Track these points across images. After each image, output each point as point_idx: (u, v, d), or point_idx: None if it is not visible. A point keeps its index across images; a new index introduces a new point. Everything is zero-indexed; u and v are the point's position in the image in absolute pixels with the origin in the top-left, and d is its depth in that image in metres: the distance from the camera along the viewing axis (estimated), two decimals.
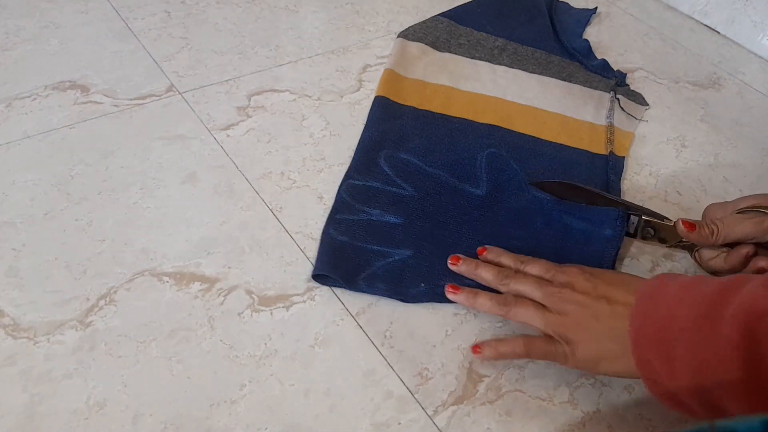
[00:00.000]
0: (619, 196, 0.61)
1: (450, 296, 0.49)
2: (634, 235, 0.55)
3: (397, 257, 0.52)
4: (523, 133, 0.66)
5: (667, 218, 0.54)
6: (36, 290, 0.48)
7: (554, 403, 0.45)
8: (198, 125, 0.64)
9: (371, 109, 0.66)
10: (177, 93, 0.67)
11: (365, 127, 0.64)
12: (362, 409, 0.43)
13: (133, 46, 0.73)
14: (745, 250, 0.50)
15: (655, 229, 0.54)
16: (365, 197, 0.56)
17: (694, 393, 0.37)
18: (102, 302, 0.48)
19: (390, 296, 0.50)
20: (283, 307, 0.49)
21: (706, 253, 0.53)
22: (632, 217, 0.55)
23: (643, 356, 0.39)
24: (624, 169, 0.64)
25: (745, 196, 0.52)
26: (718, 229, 0.50)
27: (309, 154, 0.62)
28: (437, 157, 0.61)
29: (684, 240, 0.52)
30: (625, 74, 0.78)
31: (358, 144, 0.62)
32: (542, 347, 0.44)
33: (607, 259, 0.53)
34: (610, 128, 0.69)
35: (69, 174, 0.57)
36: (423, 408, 0.44)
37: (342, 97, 0.69)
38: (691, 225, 0.50)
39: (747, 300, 0.35)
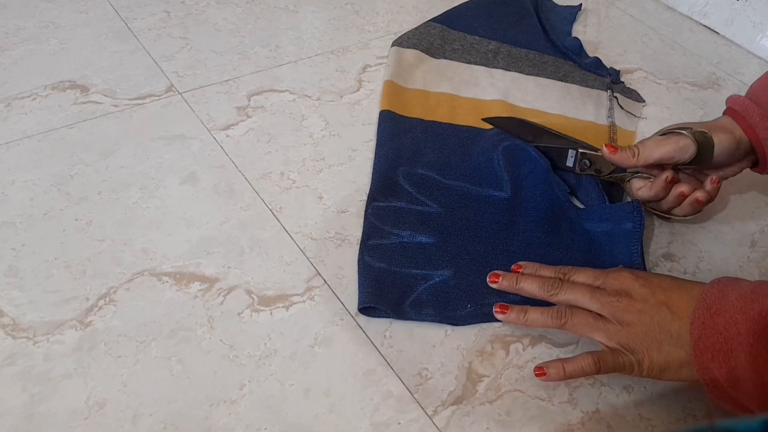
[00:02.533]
0: (623, 196, 0.61)
1: (499, 317, 0.48)
2: (573, 168, 0.59)
3: (438, 278, 0.51)
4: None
5: (599, 149, 0.57)
6: (35, 290, 0.48)
7: (553, 402, 0.45)
8: (198, 125, 0.64)
9: (379, 125, 0.65)
10: (177, 93, 0.67)
11: (377, 145, 0.63)
12: (362, 409, 0.43)
13: (132, 46, 0.73)
14: (665, 175, 0.53)
15: (591, 160, 0.57)
16: (393, 219, 0.55)
17: (757, 402, 0.37)
18: (102, 302, 0.48)
19: (439, 321, 0.49)
20: (282, 307, 0.49)
21: (636, 183, 0.56)
22: (570, 151, 0.58)
23: (704, 364, 0.39)
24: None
25: (669, 126, 0.56)
26: (638, 150, 0.53)
27: (309, 154, 0.62)
28: (454, 169, 0.60)
29: (616, 170, 0.56)
30: (618, 71, 0.78)
31: (374, 164, 0.61)
32: (611, 362, 0.42)
33: (634, 254, 0.52)
34: (613, 128, 0.69)
35: (69, 174, 0.57)
36: (422, 408, 0.44)
37: (342, 97, 0.70)
38: (613, 147, 0.54)
39: None
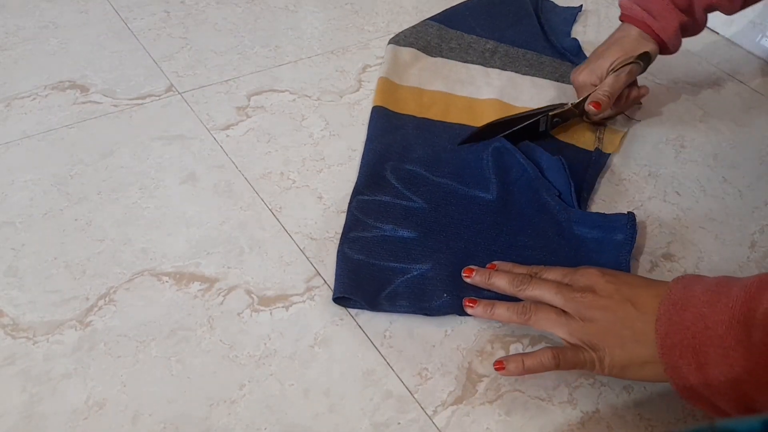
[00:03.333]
0: (592, 190, 0.61)
1: (468, 310, 0.48)
2: (546, 131, 0.65)
3: (416, 272, 0.51)
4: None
5: (564, 104, 0.66)
6: (35, 290, 0.48)
7: (553, 403, 0.45)
8: (197, 125, 0.64)
9: (371, 121, 0.65)
10: (176, 93, 0.67)
11: (367, 140, 0.63)
12: (362, 409, 0.43)
13: (132, 46, 0.73)
14: (624, 95, 0.66)
15: (561, 117, 0.65)
16: (376, 213, 0.55)
17: (730, 397, 0.36)
18: (101, 302, 0.48)
19: (414, 312, 0.49)
20: (282, 307, 0.49)
21: (591, 109, 0.65)
22: (540, 119, 0.64)
23: (672, 363, 0.38)
24: (607, 166, 0.65)
25: (602, 55, 0.66)
26: (608, 94, 0.63)
27: (308, 154, 0.62)
28: (443, 166, 0.60)
29: (577, 115, 0.66)
30: None
31: (363, 158, 0.61)
32: (571, 358, 0.42)
33: (623, 264, 0.52)
34: (601, 126, 0.69)
35: (68, 174, 0.57)
36: (422, 408, 0.44)
37: (341, 97, 0.70)
38: (597, 104, 0.63)
39: None
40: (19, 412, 0.41)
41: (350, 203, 0.56)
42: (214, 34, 0.77)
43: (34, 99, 0.64)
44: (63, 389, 0.43)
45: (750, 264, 0.57)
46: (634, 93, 0.68)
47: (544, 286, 0.46)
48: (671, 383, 0.39)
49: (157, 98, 0.66)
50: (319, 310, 0.49)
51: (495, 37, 0.81)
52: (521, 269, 0.49)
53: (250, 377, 0.44)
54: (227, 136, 0.63)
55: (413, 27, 0.81)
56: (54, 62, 0.69)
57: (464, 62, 0.76)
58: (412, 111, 0.67)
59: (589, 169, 0.63)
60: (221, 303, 0.49)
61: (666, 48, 0.67)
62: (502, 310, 0.46)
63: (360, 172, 0.59)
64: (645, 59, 0.65)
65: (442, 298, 0.49)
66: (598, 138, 0.67)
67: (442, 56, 0.76)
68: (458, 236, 0.54)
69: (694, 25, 0.67)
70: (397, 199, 0.57)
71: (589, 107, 0.63)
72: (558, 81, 0.75)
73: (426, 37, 0.79)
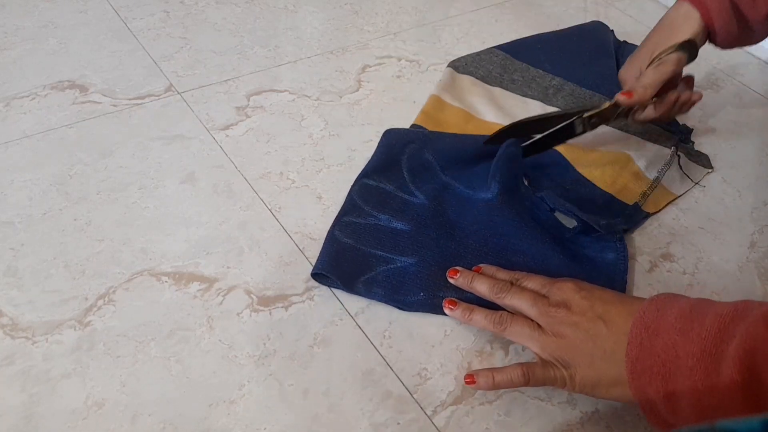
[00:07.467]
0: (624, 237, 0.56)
1: (447, 311, 0.48)
2: (584, 132, 0.59)
3: (399, 264, 0.51)
4: (558, 152, 0.62)
5: (602, 104, 0.58)
6: (34, 290, 0.48)
7: (553, 403, 0.45)
8: (197, 125, 0.64)
9: (403, 130, 0.64)
10: (176, 93, 0.67)
11: (390, 133, 0.63)
12: (361, 409, 0.43)
13: (132, 45, 0.73)
14: (673, 97, 0.59)
15: (599, 117, 0.58)
16: (375, 201, 0.55)
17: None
18: (101, 302, 0.48)
19: (386, 302, 0.49)
20: (282, 307, 0.49)
21: (636, 114, 0.60)
22: (575, 121, 0.58)
23: (641, 389, 0.38)
24: (641, 224, 0.59)
25: (644, 44, 0.61)
26: (646, 85, 0.57)
27: (308, 154, 0.62)
28: (456, 168, 0.59)
29: (619, 112, 0.58)
30: (691, 129, 0.70)
31: (382, 139, 0.61)
32: (541, 374, 0.42)
33: (617, 283, 0.52)
34: (654, 184, 0.62)
35: (68, 174, 0.57)
36: (422, 408, 0.44)
37: (341, 97, 0.70)
38: (629, 93, 0.57)
39: (747, 338, 0.34)
40: (19, 412, 0.41)
41: (353, 185, 0.56)
42: (214, 34, 0.77)
43: (34, 99, 0.64)
44: (62, 389, 0.42)
45: (749, 264, 0.57)
46: (685, 96, 0.59)
47: (522, 296, 0.45)
48: (639, 407, 0.38)
49: (157, 98, 0.66)
50: (318, 310, 0.49)
51: (563, 74, 0.74)
52: (503, 275, 0.49)
53: (249, 377, 0.44)
54: (227, 136, 0.63)
55: (477, 54, 0.76)
56: (53, 62, 0.69)
57: (523, 96, 0.71)
58: (451, 130, 0.65)
59: (618, 219, 0.57)
60: (220, 303, 0.49)
61: (714, 31, 0.58)
62: (479, 316, 0.46)
63: (376, 152, 0.59)
64: (690, 47, 0.57)
65: (417, 295, 0.49)
66: (645, 193, 0.61)
67: (502, 87, 0.72)
68: (450, 236, 0.54)
69: (749, 20, 0.58)
70: (400, 192, 0.57)
71: (620, 97, 0.56)
72: (621, 130, 0.68)
73: (488, 66, 0.74)
